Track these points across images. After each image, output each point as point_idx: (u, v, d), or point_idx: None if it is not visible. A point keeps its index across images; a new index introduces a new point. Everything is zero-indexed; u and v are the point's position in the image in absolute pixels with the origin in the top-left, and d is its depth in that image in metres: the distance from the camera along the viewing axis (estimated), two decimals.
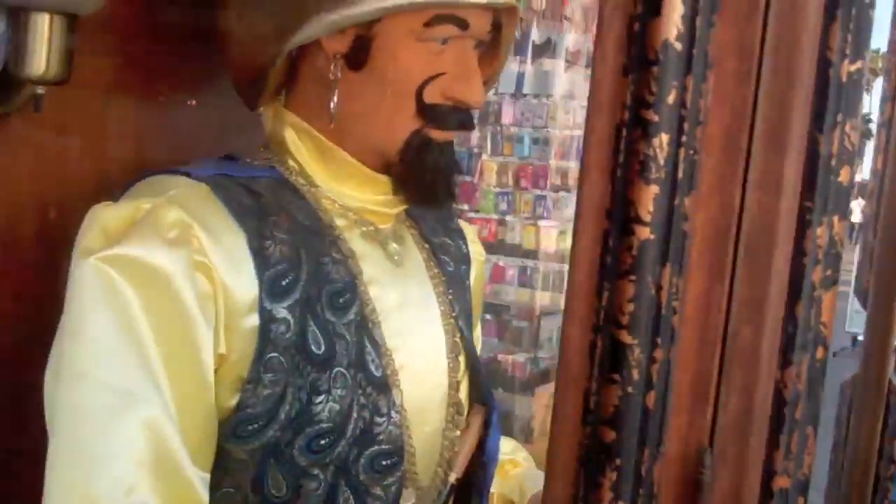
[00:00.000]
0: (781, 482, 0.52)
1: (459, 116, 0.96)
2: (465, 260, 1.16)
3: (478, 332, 1.24)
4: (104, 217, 0.86)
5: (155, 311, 0.83)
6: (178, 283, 0.84)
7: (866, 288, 1.41)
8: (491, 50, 1.02)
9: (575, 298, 0.52)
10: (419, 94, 0.93)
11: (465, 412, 1.06)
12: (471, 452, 1.04)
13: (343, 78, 0.93)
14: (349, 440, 0.90)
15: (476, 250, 1.20)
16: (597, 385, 0.50)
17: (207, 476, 0.87)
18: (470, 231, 1.21)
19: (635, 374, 0.49)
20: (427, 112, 0.94)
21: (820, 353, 0.53)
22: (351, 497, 0.91)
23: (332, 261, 0.94)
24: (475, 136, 4.99)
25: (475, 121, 1.01)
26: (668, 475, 0.50)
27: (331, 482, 0.90)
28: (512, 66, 4.99)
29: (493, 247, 4.88)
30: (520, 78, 4.97)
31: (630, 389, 0.49)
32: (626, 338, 0.49)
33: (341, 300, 0.93)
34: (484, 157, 5.04)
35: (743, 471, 0.52)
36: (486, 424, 1.06)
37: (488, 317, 4.73)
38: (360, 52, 0.92)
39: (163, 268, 0.83)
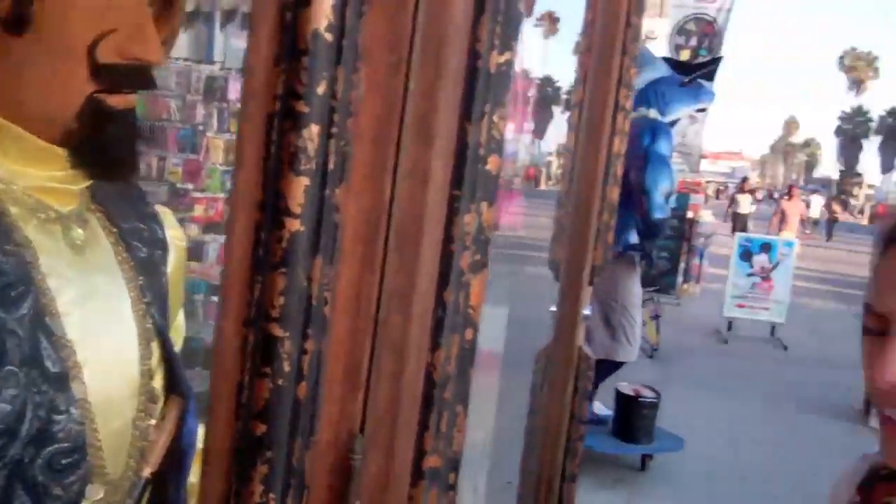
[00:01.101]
0: (432, 461, 0.54)
1: (138, 75, 0.92)
2: (161, 245, 1.11)
3: (180, 320, 1.20)
4: None
5: None
6: None
7: (558, 260, 1.51)
8: (166, 8, 0.99)
9: (229, 292, 0.51)
10: (91, 54, 0.88)
11: (161, 401, 1.02)
12: (167, 444, 1.00)
13: (5, 45, 0.87)
14: (24, 441, 0.85)
15: (175, 235, 1.16)
16: (249, 379, 0.50)
17: None
18: (168, 216, 1.17)
19: (286, 366, 0.49)
20: (102, 73, 0.89)
21: (469, 334, 0.56)
22: (28, 500, 0.86)
23: (3, 252, 0.87)
24: (200, 112, 4.84)
25: (155, 79, 0.96)
26: (319, 464, 0.51)
27: (4, 486, 0.84)
28: (239, 41, 4.88)
29: (221, 227, 4.76)
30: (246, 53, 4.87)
31: (281, 382, 0.49)
32: (277, 331, 0.49)
33: (13, 293, 0.86)
34: (209, 134, 4.89)
35: (393, 453, 0.53)
36: (183, 414, 1.03)
37: (214, 298, 4.62)
38: (20, 16, 0.86)
39: None
